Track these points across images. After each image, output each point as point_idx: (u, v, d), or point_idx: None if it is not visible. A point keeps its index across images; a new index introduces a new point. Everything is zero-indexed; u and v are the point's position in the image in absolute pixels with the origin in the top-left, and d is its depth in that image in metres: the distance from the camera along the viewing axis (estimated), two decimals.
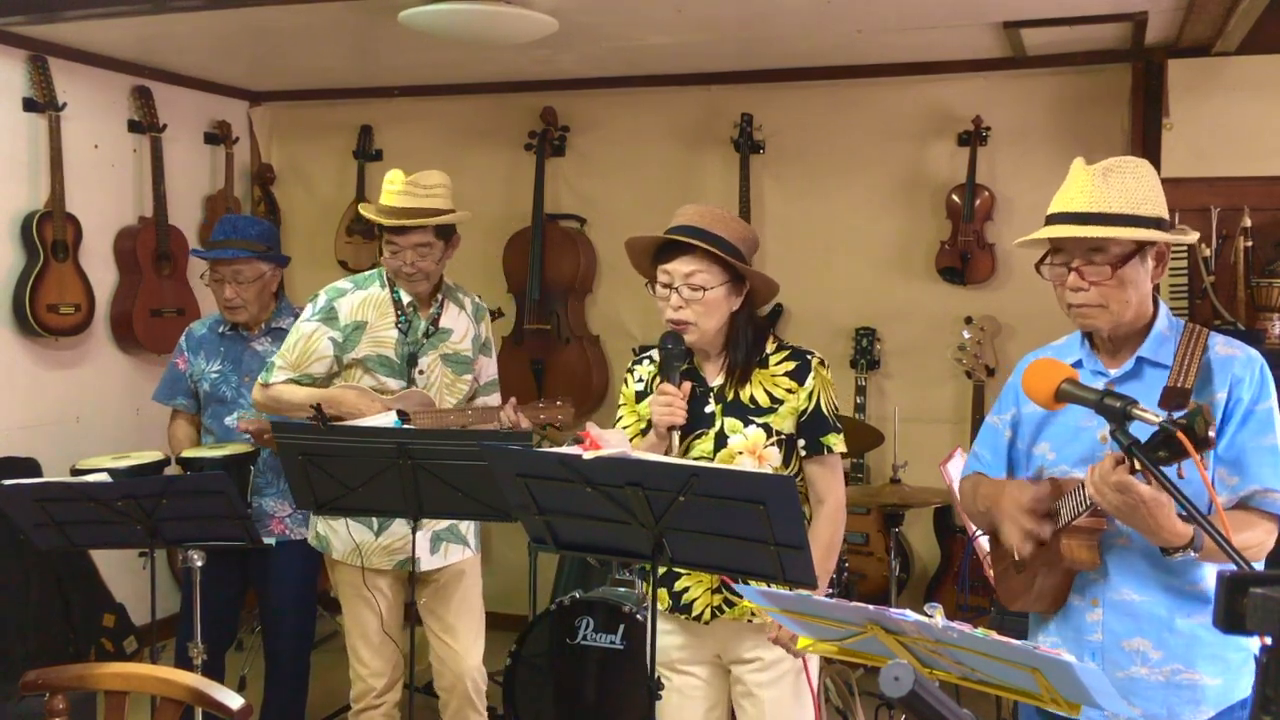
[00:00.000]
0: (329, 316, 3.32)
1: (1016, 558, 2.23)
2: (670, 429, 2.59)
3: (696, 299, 2.56)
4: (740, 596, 2.58)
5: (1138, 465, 1.93)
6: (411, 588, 3.11)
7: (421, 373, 3.35)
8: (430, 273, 3.29)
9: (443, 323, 3.39)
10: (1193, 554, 2.03)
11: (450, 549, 3.40)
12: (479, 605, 3.53)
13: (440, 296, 3.40)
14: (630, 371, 2.82)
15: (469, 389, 3.45)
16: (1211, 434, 1.83)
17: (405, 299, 3.34)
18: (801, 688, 2.66)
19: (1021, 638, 1.71)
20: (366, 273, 3.43)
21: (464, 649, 3.44)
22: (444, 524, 3.38)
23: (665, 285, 2.60)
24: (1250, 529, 2.11)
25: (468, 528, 3.45)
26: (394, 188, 3.26)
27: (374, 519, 3.29)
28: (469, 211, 3.39)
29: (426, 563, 3.35)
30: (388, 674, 3.39)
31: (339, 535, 3.35)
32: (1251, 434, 2.13)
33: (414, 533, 3.01)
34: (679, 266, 2.57)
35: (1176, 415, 1.87)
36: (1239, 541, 2.05)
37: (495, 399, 3.50)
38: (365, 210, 3.37)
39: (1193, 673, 2.15)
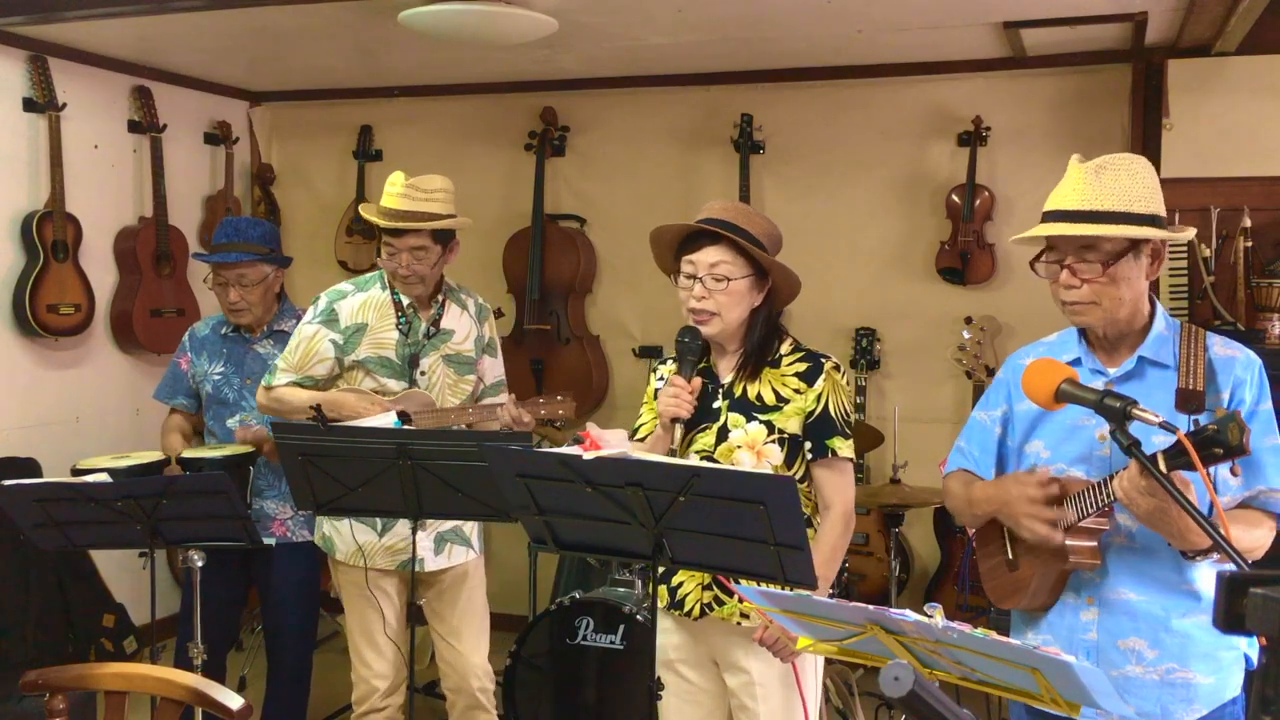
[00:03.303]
0: (330, 319, 3.33)
1: (1052, 546, 2.20)
2: (674, 421, 2.59)
3: (720, 289, 2.57)
4: (730, 596, 2.59)
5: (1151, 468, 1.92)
6: (412, 588, 3.11)
7: (423, 373, 3.36)
8: (426, 276, 3.29)
9: (444, 324, 3.39)
10: (1215, 557, 2.02)
11: (454, 550, 3.40)
12: (483, 606, 3.53)
13: (441, 298, 3.40)
14: (654, 370, 2.84)
15: (473, 389, 3.45)
16: (1247, 440, 1.84)
17: (405, 300, 3.35)
18: (793, 700, 2.64)
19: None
20: (367, 275, 3.44)
21: (468, 650, 3.44)
22: (448, 525, 3.37)
23: (689, 276, 2.60)
24: (1257, 528, 2.12)
25: (471, 529, 3.45)
26: (394, 189, 3.27)
27: (377, 520, 3.29)
28: (469, 218, 3.39)
29: (431, 563, 3.36)
30: (391, 676, 3.38)
31: (342, 536, 3.35)
32: (1255, 434, 2.13)
33: (414, 533, 3.00)
34: (704, 256, 2.58)
35: (1205, 421, 1.87)
36: (1246, 541, 2.06)
37: (502, 399, 3.48)
38: (365, 211, 3.38)
39: (1187, 671, 2.16)
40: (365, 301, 3.36)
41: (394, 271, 3.29)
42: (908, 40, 4.56)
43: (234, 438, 3.64)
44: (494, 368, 3.53)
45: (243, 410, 3.66)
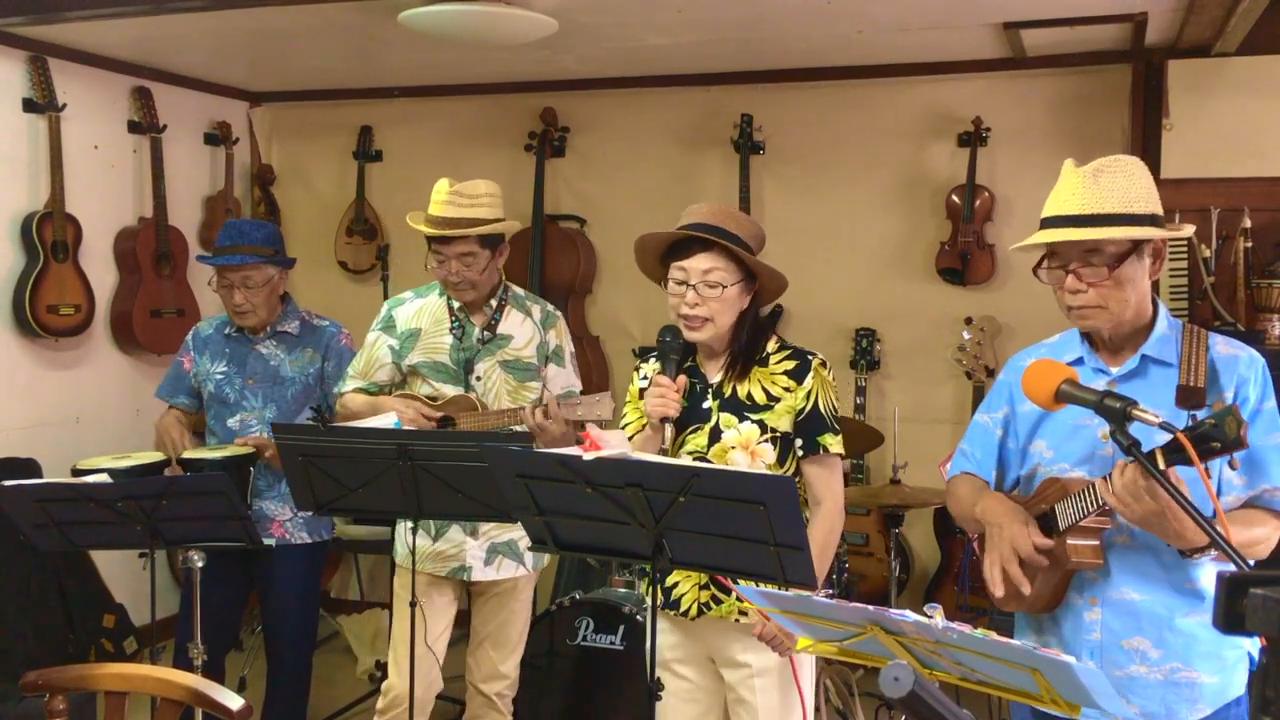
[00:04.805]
0: (388, 325, 3.42)
1: (992, 592, 2.23)
2: (663, 420, 2.60)
3: (714, 296, 2.56)
4: (727, 594, 2.59)
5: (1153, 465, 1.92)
6: (412, 585, 3.09)
7: (479, 379, 3.35)
8: (477, 282, 3.30)
9: (501, 329, 3.38)
10: (1213, 554, 2.02)
11: (505, 563, 3.38)
12: (524, 622, 3.51)
13: (496, 302, 3.40)
14: (637, 369, 2.83)
15: (537, 397, 3.38)
16: (1244, 434, 1.83)
17: (457, 305, 3.37)
18: (790, 692, 2.64)
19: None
20: (430, 282, 3.47)
21: (500, 659, 3.45)
22: (503, 536, 3.36)
23: (680, 282, 2.59)
24: (1260, 526, 2.12)
25: (526, 546, 3.39)
26: (440, 197, 3.28)
27: (430, 524, 3.30)
28: (517, 221, 3.38)
29: (479, 573, 3.36)
30: (420, 686, 3.29)
31: (400, 539, 3.39)
32: (1259, 433, 2.14)
33: (413, 534, 3.00)
34: (696, 264, 2.57)
35: (1202, 415, 1.87)
36: (1247, 539, 2.06)
37: None
38: (413, 220, 3.38)
39: (1191, 671, 2.16)
40: (421, 308, 3.41)
41: (445, 279, 3.31)
42: (908, 40, 4.56)
43: (235, 437, 3.64)
44: (560, 377, 3.44)
45: (243, 410, 3.66)
